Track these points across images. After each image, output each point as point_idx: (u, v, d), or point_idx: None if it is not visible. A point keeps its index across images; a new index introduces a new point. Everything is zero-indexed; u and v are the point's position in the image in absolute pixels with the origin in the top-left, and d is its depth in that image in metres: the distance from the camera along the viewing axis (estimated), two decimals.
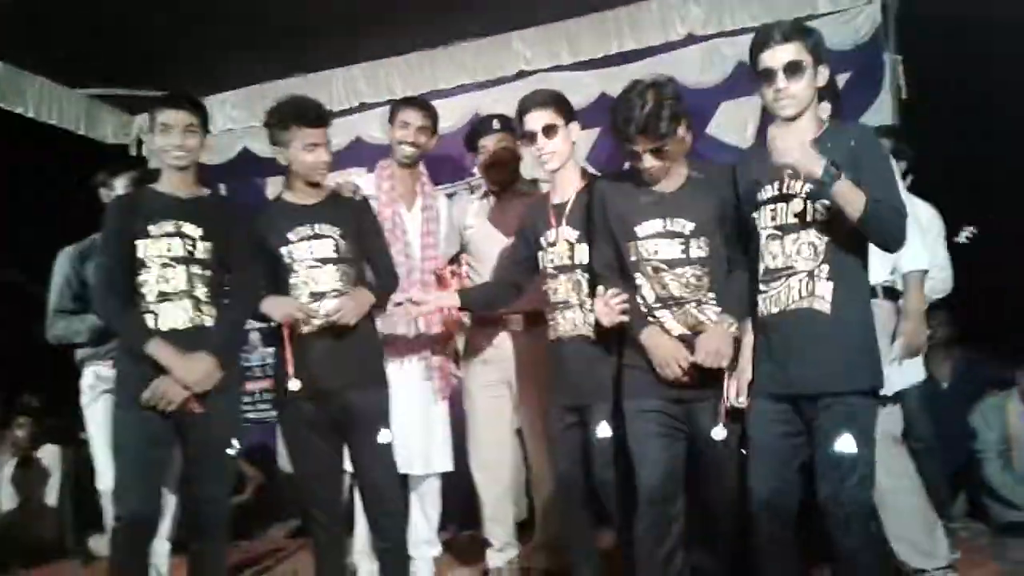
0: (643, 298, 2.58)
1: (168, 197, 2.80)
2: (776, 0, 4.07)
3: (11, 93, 4.55)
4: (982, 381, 4.10)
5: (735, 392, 2.48)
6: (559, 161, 2.82)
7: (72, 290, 3.38)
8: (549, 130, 2.79)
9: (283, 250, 2.83)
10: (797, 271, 2.33)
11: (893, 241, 2.30)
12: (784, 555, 2.38)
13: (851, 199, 2.21)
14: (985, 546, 3.45)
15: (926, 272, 2.89)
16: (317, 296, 2.81)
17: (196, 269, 2.75)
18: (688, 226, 2.54)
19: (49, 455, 4.79)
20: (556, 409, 2.85)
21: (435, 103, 4.67)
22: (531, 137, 2.82)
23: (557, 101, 2.85)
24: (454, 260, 3.45)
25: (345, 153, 4.89)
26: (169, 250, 2.73)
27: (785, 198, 2.36)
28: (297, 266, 2.83)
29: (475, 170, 4.68)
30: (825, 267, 2.31)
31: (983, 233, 4.72)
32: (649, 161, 2.51)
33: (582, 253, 2.77)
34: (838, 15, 3.97)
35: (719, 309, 2.53)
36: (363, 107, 4.84)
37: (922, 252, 2.86)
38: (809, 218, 2.33)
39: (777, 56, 2.32)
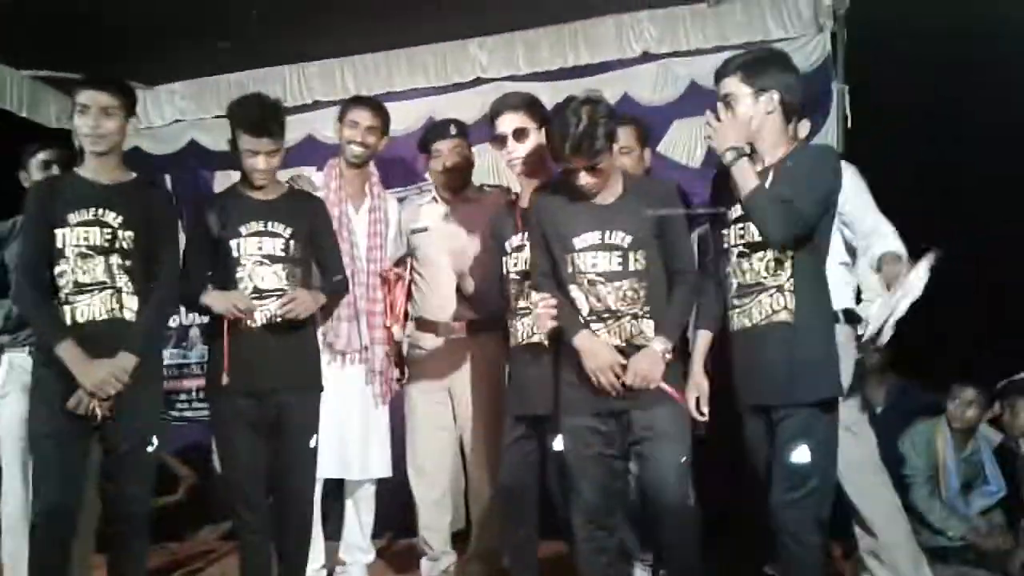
0: (578, 311, 2.59)
1: (88, 183, 2.69)
2: (729, 24, 4.15)
3: None
4: (914, 407, 4.19)
5: (693, 405, 2.55)
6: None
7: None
8: (519, 134, 2.80)
9: (232, 243, 2.79)
10: (767, 287, 2.42)
11: (769, 234, 2.37)
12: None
13: (741, 182, 2.38)
14: None
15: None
16: (260, 294, 2.77)
17: (116, 259, 2.64)
18: (627, 239, 2.56)
19: None
20: (508, 419, 2.84)
21: (389, 105, 4.63)
22: (501, 140, 2.82)
23: (530, 105, 2.86)
24: (400, 263, 3.41)
25: (296, 151, 4.84)
26: (87, 240, 2.62)
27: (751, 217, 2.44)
28: (244, 260, 2.78)
29: (427, 175, 4.68)
30: (791, 281, 2.40)
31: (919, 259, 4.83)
32: (584, 178, 2.53)
33: None
34: (789, 42, 4.03)
35: (654, 323, 2.56)
36: (316, 105, 4.79)
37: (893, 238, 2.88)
38: None
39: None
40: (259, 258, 2.79)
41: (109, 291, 2.63)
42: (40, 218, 2.66)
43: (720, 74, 2.50)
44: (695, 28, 4.20)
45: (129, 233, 2.66)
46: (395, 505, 3.62)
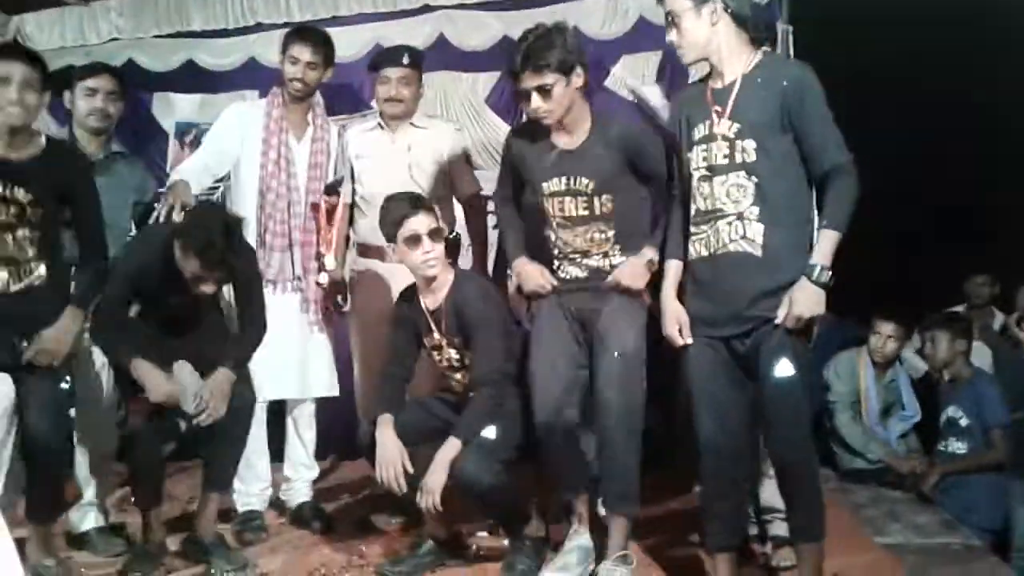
0: (552, 248, 2.69)
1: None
2: None
3: None
4: (842, 340, 4.37)
5: (676, 333, 2.44)
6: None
7: None
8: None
9: None
10: (726, 213, 2.31)
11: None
12: (728, 493, 2.43)
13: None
14: (832, 490, 3.64)
15: None
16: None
17: (24, 232, 2.61)
18: (589, 184, 2.59)
19: None
20: None
21: (335, 31, 4.54)
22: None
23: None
24: (335, 192, 3.32)
25: (238, 73, 4.76)
26: None
27: (713, 138, 2.33)
28: None
29: (373, 102, 4.63)
30: (755, 209, 2.28)
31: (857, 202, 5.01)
32: (536, 101, 2.52)
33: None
34: None
35: (624, 259, 2.63)
36: (259, 27, 4.68)
37: None
38: (738, 159, 2.30)
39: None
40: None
41: (14, 264, 2.61)
42: None
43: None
44: None
45: (39, 210, 2.63)
46: (338, 426, 3.69)
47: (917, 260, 4.89)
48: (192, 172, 3.19)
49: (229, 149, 3.29)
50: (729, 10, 2.32)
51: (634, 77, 4.26)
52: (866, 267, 4.32)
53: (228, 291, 2.98)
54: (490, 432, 2.66)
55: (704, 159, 2.35)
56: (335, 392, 3.40)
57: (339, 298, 3.40)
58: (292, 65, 3.24)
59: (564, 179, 2.61)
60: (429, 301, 2.83)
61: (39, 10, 4.95)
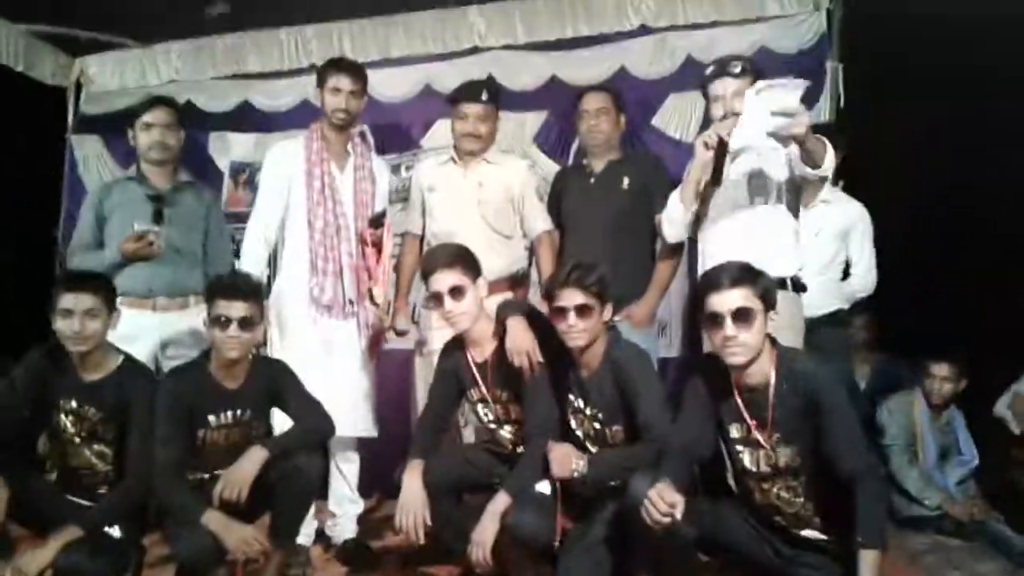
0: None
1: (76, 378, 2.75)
2: (726, 1, 4.16)
3: None
4: (896, 382, 4.27)
5: None
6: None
7: (90, 225, 3.39)
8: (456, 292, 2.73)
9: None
10: None
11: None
12: None
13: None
14: (888, 537, 3.58)
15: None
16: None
17: (98, 447, 2.77)
18: (600, 414, 2.66)
19: None
20: None
21: (386, 71, 4.68)
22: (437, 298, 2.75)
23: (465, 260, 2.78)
24: (379, 224, 3.35)
25: (292, 114, 4.86)
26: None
27: None
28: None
29: (423, 142, 4.70)
30: None
31: (909, 241, 4.90)
32: (573, 319, 2.58)
33: None
34: (785, 19, 4.07)
35: None
36: (313, 69, 4.76)
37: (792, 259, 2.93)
38: None
39: (725, 302, 2.32)
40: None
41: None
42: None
43: (726, 283, 2.36)
44: (693, 2, 4.21)
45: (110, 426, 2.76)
46: (382, 464, 3.67)
47: (972, 298, 4.74)
48: (254, 256, 3.30)
49: (279, 200, 3.35)
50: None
51: (681, 117, 4.27)
52: (916, 304, 4.25)
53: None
54: (544, 487, 2.62)
55: None
56: (374, 432, 3.39)
57: (402, 322, 3.42)
58: (334, 96, 3.31)
59: (582, 402, 2.69)
60: (475, 354, 2.82)
61: (102, 52, 5.13)
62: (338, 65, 3.41)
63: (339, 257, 3.29)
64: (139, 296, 3.26)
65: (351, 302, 3.29)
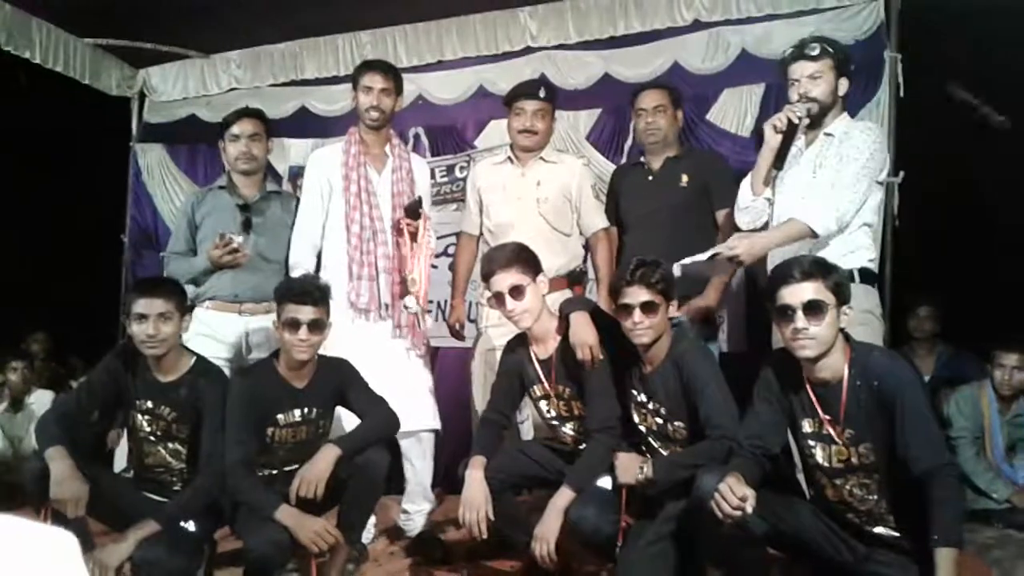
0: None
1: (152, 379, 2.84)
2: None
3: (19, 37, 4.56)
4: (962, 374, 4.20)
5: None
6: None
7: (184, 232, 3.50)
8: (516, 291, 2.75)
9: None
10: None
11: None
12: None
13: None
14: None
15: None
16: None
17: (173, 445, 2.86)
18: (662, 409, 2.67)
19: (39, 400, 4.81)
20: None
21: (439, 74, 4.72)
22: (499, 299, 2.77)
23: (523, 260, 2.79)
24: (414, 214, 3.30)
25: (348, 118, 4.93)
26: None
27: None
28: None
29: (476, 142, 4.75)
30: None
31: (973, 231, 4.81)
32: (639, 316, 2.60)
33: None
34: (842, 10, 4.00)
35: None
36: None
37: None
38: None
39: (796, 294, 2.30)
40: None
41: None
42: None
43: (797, 275, 2.32)
44: None
45: (185, 425, 2.84)
46: (444, 460, 3.73)
47: None
48: (304, 263, 3.35)
49: (320, 205, 3.39)
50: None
51: (736, 112, 4.25)
52: (983, 294, 4.16)
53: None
54: (606, 482, 2.64)
55: None
56: (436, 425, 3.41)
57: (457, 326, 3.46)
58: (366, 95, 3.35)
59: (644, 396, 2.70)
60: (539, 350, 2.84)
61: (164, 63, 5.28)
62: (368, 65, 3.46)
63: (375, 261, 3.30)
64: (226, 300, 3.37)
65: (386, 305, 3.31)
